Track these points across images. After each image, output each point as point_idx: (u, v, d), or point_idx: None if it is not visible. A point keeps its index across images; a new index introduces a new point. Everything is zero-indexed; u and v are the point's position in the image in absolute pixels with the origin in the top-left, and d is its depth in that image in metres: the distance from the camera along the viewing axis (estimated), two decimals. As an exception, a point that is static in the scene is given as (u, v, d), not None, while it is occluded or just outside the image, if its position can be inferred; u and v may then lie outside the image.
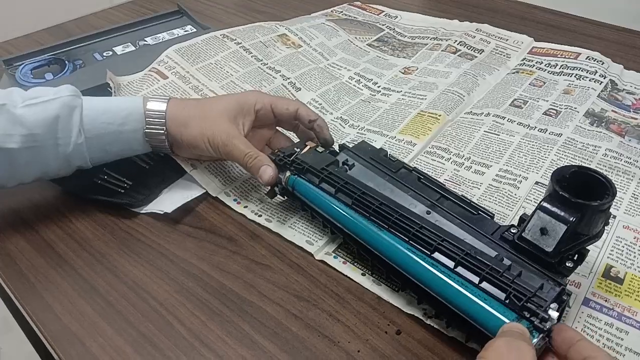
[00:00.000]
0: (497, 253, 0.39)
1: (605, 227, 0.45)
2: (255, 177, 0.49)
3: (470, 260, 0.37)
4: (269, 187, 0.51)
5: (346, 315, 0.42)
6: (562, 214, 0.36)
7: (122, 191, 0.53)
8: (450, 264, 0.38)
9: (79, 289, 0.45)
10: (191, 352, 0.40)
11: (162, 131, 0.50)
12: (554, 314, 0.33)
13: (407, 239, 0.40)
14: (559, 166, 0.40)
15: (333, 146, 0.53)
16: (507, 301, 0.35)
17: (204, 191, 0.54)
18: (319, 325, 0.41)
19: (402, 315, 0.42)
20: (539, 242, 0.37)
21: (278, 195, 0.51)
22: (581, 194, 0.37)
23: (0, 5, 1.26)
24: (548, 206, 0.37)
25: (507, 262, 0.38)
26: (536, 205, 0.38)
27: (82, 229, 0.50)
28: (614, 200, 0.43)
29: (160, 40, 0.79)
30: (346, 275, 0.45)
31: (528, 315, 0.34)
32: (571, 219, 0.36)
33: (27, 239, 0.50)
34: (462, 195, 0.45)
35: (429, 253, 0.39)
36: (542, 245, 0.36)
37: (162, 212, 0.52)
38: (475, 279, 0.37)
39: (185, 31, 0.82)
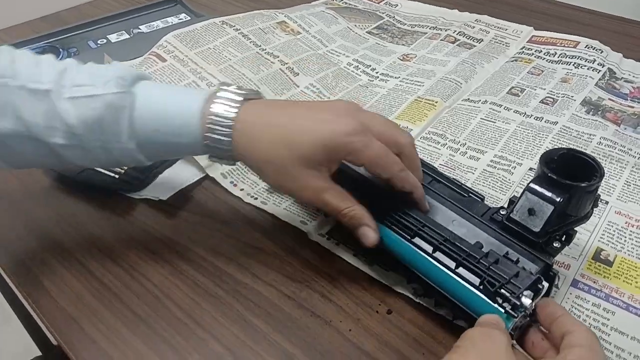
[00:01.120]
0: (477, 240, 0.39)
1: (597, 212, 0.46)
2: (353, 233, 0.41)
3: (449, 246, 0.38)
4: None
5: (338, 296, 0.43)
6: (550, 194, 0.37)
7: (117, 177, 0.53)
8: (429, 249, 0.39)
9: (74, 271, 0.45)
10: (186, 332, 0.40)
11: (228, 154, 0.41)
12: (527, 301, 0.33)
13: (389, 224, 0.41)
14: None
15: None
16: (481, 287, 0.35)
17: (198, 178, 0.55)
18: (311, 306, 0.42)
19: (393, 296, 0.43)
20: (527, 223, 0.37)
21: None
22: (570, 176, 0.37)
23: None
24: (536, 187, 0.37)
25: (486, 249, 0.38)
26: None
27: (78, 214, 0.51)
28: (608, 187, 0.44)
29: (155, 29, 0.80)
30: (338, 256, 0.46)
31: (501, 302, 0.34)
32: (558, 200, 0.36)
33: (23, 225, 0.50)
34: (453, 178, 0.46)
35: (409, 238, 0.40)
36: (530, 225, 0.37)
37: (157, 199, 0.52)
38: (453, 265, 0.37)
39: (180, 19, 0.82)
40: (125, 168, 0.54)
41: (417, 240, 0.39)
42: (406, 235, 0.40)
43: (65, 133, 0.39)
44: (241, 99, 0.40)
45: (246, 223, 0.50)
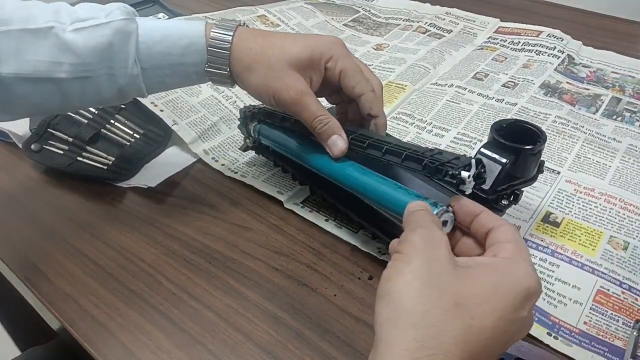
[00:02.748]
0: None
1: (549, 180, 0.50)
2: (322, 144, 0.44)
3: (396, 145, 0.41)
4: (243, 142, 0.54)
5: (322, 266, 0.46)
6: (497, 156, 0.41)
7: (105, 167, 0.56)
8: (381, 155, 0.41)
9: (69, 255, 0.47)
10: (180, 304, 0.43)
11: (226, 72, 0.45)
12: (465, 174, 0.35)
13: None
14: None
15: None
16: (424, 169, 0.38)
17: (185, 166, 0.57)
18: (298, 276, 0.45)
19: (374, 263, 0.46)
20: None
21: (250, 149, 0.55)
22: (517, 142, 0.42)
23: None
24: (486, 151, 0.42)
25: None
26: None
27: (69, 203, 0.53)
28: (560, 159, 0.48)
29: (134, 29, 0.82)
30: (320, 230, 0.49)
31: (444, 176, 0.36)
32: (504, 161, 0.40)
33: (17, 216, 0.52)
34: (416, 144, 0.49)
35: (362, 149, 0.42)
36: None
37: (145, 187, 0.54)
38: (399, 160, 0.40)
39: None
40: (113, 159, 0.56)
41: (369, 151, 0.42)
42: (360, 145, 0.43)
43: (72, 65, 0.41)
44: (235, 25, 0.45)
45: (231, 205, 0.52)
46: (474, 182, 0.36)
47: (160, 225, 0.50)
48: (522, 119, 0.61)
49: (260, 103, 0.50)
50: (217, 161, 0.56)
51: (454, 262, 0.30)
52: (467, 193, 0.36)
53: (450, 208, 0.35)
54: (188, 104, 0.62)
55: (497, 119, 0.60)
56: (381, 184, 0.40)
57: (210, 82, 0.47)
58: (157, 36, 0.43)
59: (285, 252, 0.47)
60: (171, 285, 0.44)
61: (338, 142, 0.43)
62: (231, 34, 0.44)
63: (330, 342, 0.40)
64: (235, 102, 0.64)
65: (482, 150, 0.42)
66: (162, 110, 0.59)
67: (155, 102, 0.60)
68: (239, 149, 0.57)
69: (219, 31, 0.44)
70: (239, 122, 0.55)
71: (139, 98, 0.53)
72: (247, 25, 0.47)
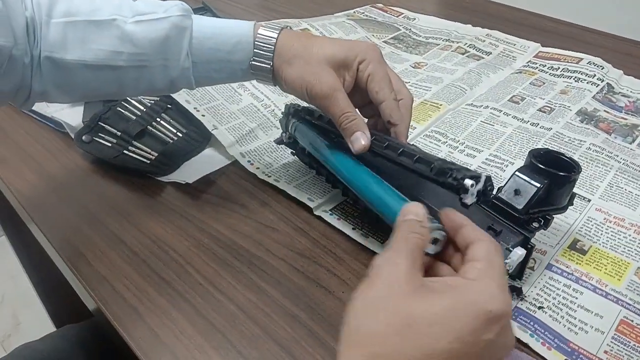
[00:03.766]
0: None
1: (579, 208, 0.51)
2: (346, 139, 0.47)
3: (412, 150, 0.44)
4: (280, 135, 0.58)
5: (342, 271, 0.48)
6: (534, 179, 0.42)
7: (148, 161, 0.59)
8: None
9: (108, 240, 0.51)
10: (206, 295, 0.45)
11: (269, 66, 0.48)
12: (468, 182, 0.37)
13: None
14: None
15: None
16: (432, 172, 0.40)
17: (221, 166, 0.60)
18: (317, 278, 0.47)
19: (392, 273, 0.47)
20: (512, 201, 0.42)
21: (283, 144, 0.58)
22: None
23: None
24: (522, 173, 0.43)
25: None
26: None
27: (112, 193, 0.57)
28: (592, 187, 0.48)
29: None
30: (343, 237, 0.51)
31: (447, 178, 0.38)
32: (539, 185, 0.41)
33: (64, 201, 0.56)
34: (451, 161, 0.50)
35: (381, 149, 0.45)
36: (515, 203, 0.42)
37: (184, 182, 0.58)
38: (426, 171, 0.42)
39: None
40: (156, 154, 0.60)
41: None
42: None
43: (130, 55, 0.45)
44: (281, 27, 0.48)
45: (261, 206, 0.55)
46: (476, 197, 0.37)
47: (194, 220, 0.53)
48: (556, 144, 0.62)
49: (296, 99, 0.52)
50: (252, 164, 0.59)
51: (415, 283, 0.29)
52: (468, 204, 0.38)
53: (442, 225, 0.34)
54: (228, 110, 0.65)
55: (531, 143, 0.62)
56: (380, 187, 0.42)
57: (254, 81, 0.51)
58: (209, 33, 0.47)
59: (307, 254, 0.49)
60: (198, 276, 0.47)
61: (361, 139, 0.45)
62: (276, 33, 0.47)
63: (342, 344, 0.41)
64: (273, 110, 0.67)
65: (518, 173, 0.43)
66: (203, 116, 0.63)
67: (198, 107, 0.64)
68: (273, 141, 0.60)
69: (266, 31, 0.48)
70: (281, 117, 0.58)
71: (182, 103, 0.58)
72: (291, 29, 0.50)
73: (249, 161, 0.60)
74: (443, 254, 0.35)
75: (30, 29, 0.43)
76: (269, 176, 0.57)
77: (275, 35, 0.47)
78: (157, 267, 0.48)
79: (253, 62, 0.48)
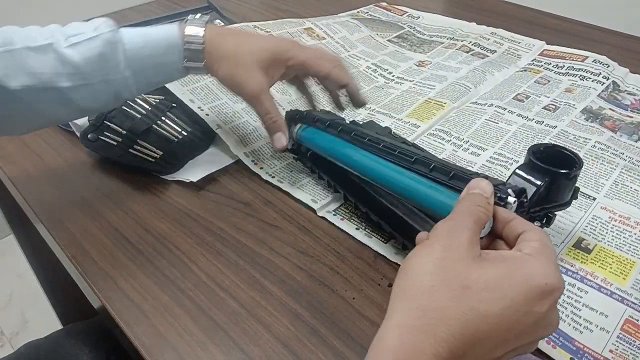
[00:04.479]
0: None
1: (584, 207, 0.51)
2: (269, 136, 0.54)
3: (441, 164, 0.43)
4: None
5: (345, 270, 0.48)
6: (532, 178, 0.41)
7: (153, 160, 0.60)
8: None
9: (113, 238, 0.51)
10: (209, 293, 0.46)
11: (201, 65, 0.51)
12: (512, 200, 0.36)
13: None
14: None
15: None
16: (451, 179, 0.40)
17: (225, 165, 0.60)
18: (320, 276, 0.47)
19: (395, 272, 0.47)
20: None
21: (288, 152, 0.58)
22: (553, 166, 0.42)
23: (37, 1, 1.35)
24: (522, 172, 0.42)
25: None
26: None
27: (117, 191, 0.57)
28: (597, 185, 0.48)
29: (191, 33, 0.87)
30: (346, 237, 0.51)
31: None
32: (539, 183, 0.41)
33: (69, 198, 0.56)
34: (454, 164, 0.50)
35: (411, 161, 0.44)
36: None
37: (188, 181, 0.58)
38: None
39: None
40: (160, 153, 0.60)
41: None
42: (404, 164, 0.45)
43: (71, 75, 0.47)
44: (204, 22, 0.52)
45: (264, 205, 0.55)
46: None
47: (197, 218, 0.53)
48: (561, 142, 0.62)
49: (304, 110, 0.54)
50: (256, 164, 0.59)
51: (474, 252, 0.31)
52: None
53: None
54: (232, 109, 0.65)
55: (536, 141, 0.61)
56: (426, 186, 0.42)
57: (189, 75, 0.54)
58: (140, 42, 0.50)
59: (310, 253, 0.49)
60: (202, 274, 0.47)
61: (282, 139, 0.53)
62: (202, 30, 0.51)
63: (345, 342, 0.41)
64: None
65: (518, 171, 0.43)
66: (207, 115, 0.63)
67: (202, 106, 0.64)
68: (272, 148, 0.60)
69: (191, 28, 0.51)
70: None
71: (186, 102, 0.59)
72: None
73: (252, 161, 0.60)
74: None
75: None
76: (273, 177, 0.57)
77: (202, 33, 0.50)
78: (160, 265, 0.48)
79: (186, 65, 0.51)
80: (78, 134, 0.63)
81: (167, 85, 0.63)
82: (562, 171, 0.41)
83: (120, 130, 0.61)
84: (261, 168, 0.59)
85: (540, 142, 0.61)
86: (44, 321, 1.13)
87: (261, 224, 0.53)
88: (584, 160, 0.44)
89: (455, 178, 0.40)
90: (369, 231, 0.51)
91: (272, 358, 0.40)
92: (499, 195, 0.36)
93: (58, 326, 0.99)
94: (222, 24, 0.90)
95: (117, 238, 0.51)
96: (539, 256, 0.30)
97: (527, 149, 0.59)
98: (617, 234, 0.50)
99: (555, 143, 0.60)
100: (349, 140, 0.50)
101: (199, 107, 0.64)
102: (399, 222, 0.48)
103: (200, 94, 0.65)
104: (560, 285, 0.30)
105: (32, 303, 1.46)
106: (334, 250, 0.50)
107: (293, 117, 0.56)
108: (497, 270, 0.29)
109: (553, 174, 0.41)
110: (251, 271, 0.48)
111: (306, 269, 0.48)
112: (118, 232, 0.52)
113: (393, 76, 0.77)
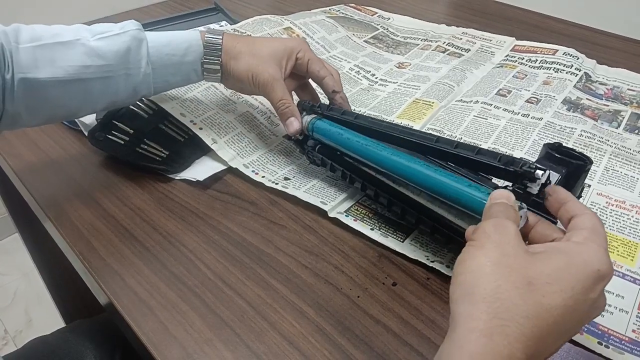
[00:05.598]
0: None
1: (581, 195, 0.51)
2: (281, 122, 0.56)
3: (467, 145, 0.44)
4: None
5: (349, 268, 0.48)
6: (552, 169, 0.42)
7: (160, 159, 0.60)
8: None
9: (120, 235, 0.52)
10: (215, 290, 0.46)
11: (218, 62, 0.55)
12: (540, 172, 0.37)
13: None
14: (540, 145, 0.46)
15: None
16: (499, 161, 0.41)
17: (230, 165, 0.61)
18: (325, 275, 0.47)
19: (400, 271, 0.48)
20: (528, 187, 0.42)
21: (294, 141, 0.59)
22: None
23: (45, 1, 1.36)
24: (540, 165, 0.43)
25: None
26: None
27: (124, 189, 0.58)
28: (590, 172, 0.48)
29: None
30: (351, 235, 0.51)
31: (525, 168, 0.38)
32: (558, 175, 0.42)
33: (77, 196, 0.57)
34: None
35: (433, 141, 0.46)
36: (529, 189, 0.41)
37: (194, 179, 0.58)
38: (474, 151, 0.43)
39: (221, 26, 0.90)
40: (167, 152, 0.61)
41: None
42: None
43: (98, 67, 0.50)
44: (222, 32, 0.57)
45: (270, 204, 0.56)
46: (539, 188, 0.38)
47: (204, 216, 0.54)
48: (550, 132, 0.65)
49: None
50: (257, 174, 0.59)
51: (524, 246, 0.32)
52: (533, 193, 0.38)
53: (524, 204, 0.37)
54: (225, 119, 0.64)
55: (526, 134, 0.64)
56: (455, 180, 0.42)
57: (205, 80, 0.58)
58: (163, 41, 0.54)
59: (315, 251, 0.50)
60: (208, 271, 0.48)
61: (294, 123, 0.55)
62: (220, 37, 0.56)
63: (349, 340, 0.42)
64: (269, 117, 0.67)
65: (542, 160, 0.43)
66: (201, 129, 0.62)
67: (195, 120, 0.62)
68: (283, 136, 0.61)
69: (210, 36, 0.56)
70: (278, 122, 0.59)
71: (177, 117, 0.61)
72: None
73: (253, 171, 0.59)
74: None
75: (0, 56, 0.47)
76: (276, 184, 0.57)
77: (220, 38, 0.56)
78: (167, 262, 0.49)
79: (204, 61, 0.55)
80: (85, 133, 0.64)
81: (156, 101, 0.63)
82: (578, 162, 0.42)
83: (128, 129, 0.62)
84: (263, 177, 0.58)
85: (530, 134, 0.64)
86: (48, 320, 1.14)
87: (267, 222, 0.53)
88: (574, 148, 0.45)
89: (481, 153, 0.42)
90: (384, 231, 0.51)
91: (277, 355, 0.41)
92: (529, 165, 0.37)
93: (61, 325, 1.00)
94: (228, 24, 0.91)
95: (124, 235, 0.52)
96: (590, 243, 0.32)
97: (519, 142, 0.62)
98: (616, 218, 0.52)
99: (549, 138, 0.62)
100: (368, 125, 0.51)
101: (191, 121, 0.62)
102: (423, 209, 0.48)
103: (190, 106, 0.64)
104: (610, 270, 0.31)
105: (36, 302, 1.47)
106: (338, 249, 0.50)
107: (304, 107, 0.57)
108: (554, 263, 0.30)
109: (570, 165, 0.42)
110: (257, 269, 0.48)
111: (311, 267, 0.48)
112: (125, 229, 0.52)
113: (376, 78, 0.78)
